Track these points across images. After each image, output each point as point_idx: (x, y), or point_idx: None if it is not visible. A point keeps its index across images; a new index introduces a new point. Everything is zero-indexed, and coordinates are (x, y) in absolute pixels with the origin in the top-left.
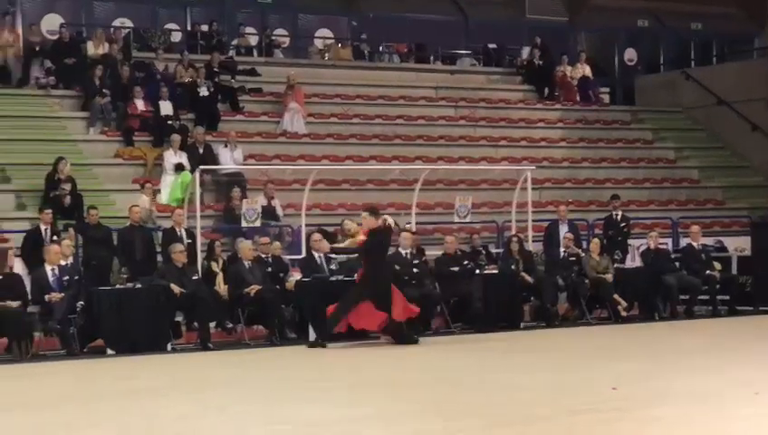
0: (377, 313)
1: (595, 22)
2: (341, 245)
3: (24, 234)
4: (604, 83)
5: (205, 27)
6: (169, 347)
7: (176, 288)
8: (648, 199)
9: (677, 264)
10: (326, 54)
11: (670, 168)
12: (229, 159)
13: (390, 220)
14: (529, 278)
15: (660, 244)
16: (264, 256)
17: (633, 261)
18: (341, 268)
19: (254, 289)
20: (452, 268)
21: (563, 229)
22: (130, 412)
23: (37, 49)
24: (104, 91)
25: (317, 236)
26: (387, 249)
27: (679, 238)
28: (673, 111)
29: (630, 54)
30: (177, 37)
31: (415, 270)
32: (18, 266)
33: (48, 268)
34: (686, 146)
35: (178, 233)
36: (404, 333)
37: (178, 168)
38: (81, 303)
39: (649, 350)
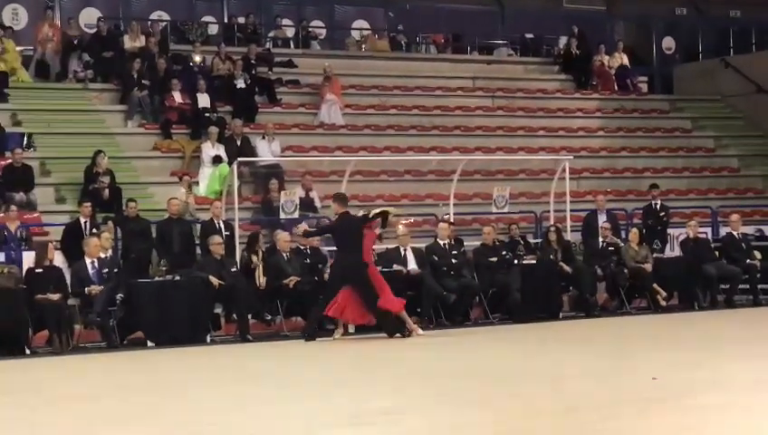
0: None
1: (633, 10)
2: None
3: (64, 227)
4: (642, 72)
5: (241, 19)
6: (209, 339)
7: (214, 280)
8: (687, 188)
9: (717, 253)
10: (363, 45)
11: (709, 156)
12: (267, 151)
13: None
14: (567, 268)
15: (700, 233)
16: (302, 247)
17: (672, 250)
18: (379, 259)
19: (292, 281)
20: (490, 259)
21: (602, 219)
22: (171, 404)
23: (75, 43)
24: (142, 83)
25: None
26: (351, 236)
27: (719, 227)
28: (712, 99)
29: (668, 43)
30: (213, 30)
31: (453, 261)
32: (58, 259)
33: (88, 261)
34: (726, 135)
35: (217, 225)
36: (391, 324)
37: (216, 160)
38: (121, 295)
39: (689, 340)
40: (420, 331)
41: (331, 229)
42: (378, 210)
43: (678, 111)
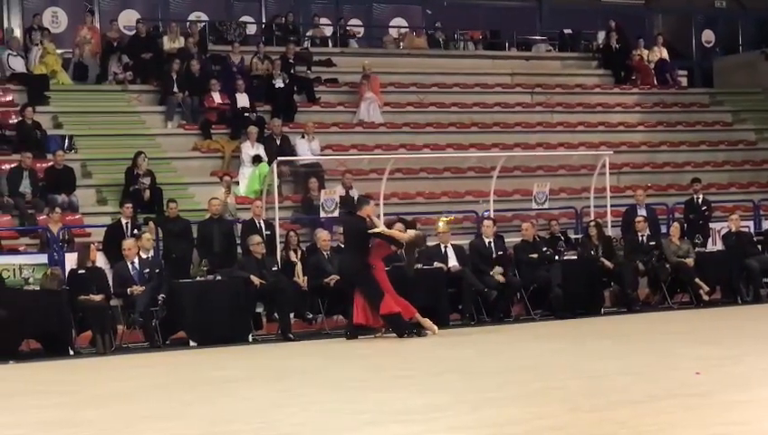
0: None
1: (671, 4)
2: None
3: (106, 228)
4: (682, 66)
5: (280, 19)
6: (250, 338)
7: (255, 280)
8: (728, 182)
9: (760, 246)
10: (401, 43)
11: (751, 149)
12: (306, 150)
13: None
14: (609, 264)
15: (742, 227)
16: (343, 245)
17: (714, 244)
18: (420, 258)
19: (333, 279)
20: (531, 255)
21: (641, 214)
22: (215, 403)
23: (115, 45)
24: (181, 84)
25: (399, 225)
26: (354, 237)
27: (761, 221)
28: (752, 92)
29: (708, 36)
30: (252, 30)
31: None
32: (100, 260)
33: (129, 262)
34: (767, 127)
35: (257, 224)
36: (398, 325)
37: (256, 159)
38: (163, 295)
39: (733, 334)
40: (436, 330)
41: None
42: (379, 230)
43: (719, 104)
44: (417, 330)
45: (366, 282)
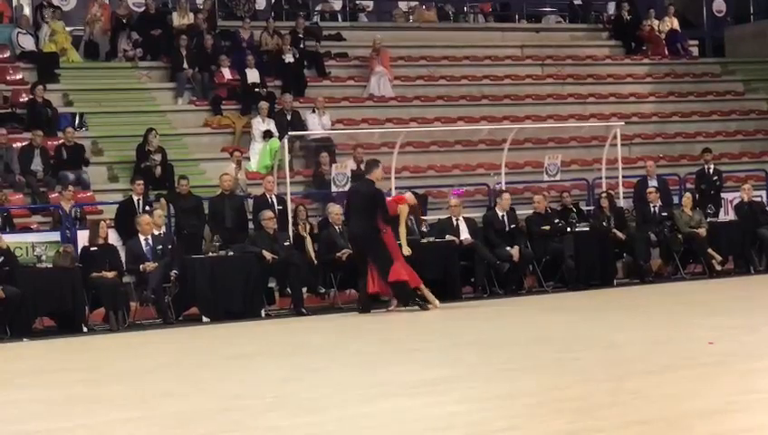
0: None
1: None
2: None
3: (117, 205)
4: (692, 36)
5: None
6: (263, 313)
7: (267, 254)
8: (740, 152)
9: None
10: (410, 17)
11: (763, 119)
12: (317, 125)
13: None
14: (621, 235)
15: (754, 196)
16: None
17: (727, 215)
18: (432, 230)
19: (345, 253)
20: (543, 227)
21: (652, 184)
22: (229, 378)
23: (124, 22)
24: (191, 60)
25: (409, 194)
26: (363, 201)
27: None
28: (764, 61)
29: (719, 5)
30: (261, 5)
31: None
32: (112, 237)
33: (141, 238)
34: None
35: (269, 200)
36: (404, 293)
37: (266, 135)
38: (175, 272)
39: (746, 304)
40: (438, 304)
41: (348, 192)
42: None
43: (730, 73)
44: (420, 302)
45: (376, 248)
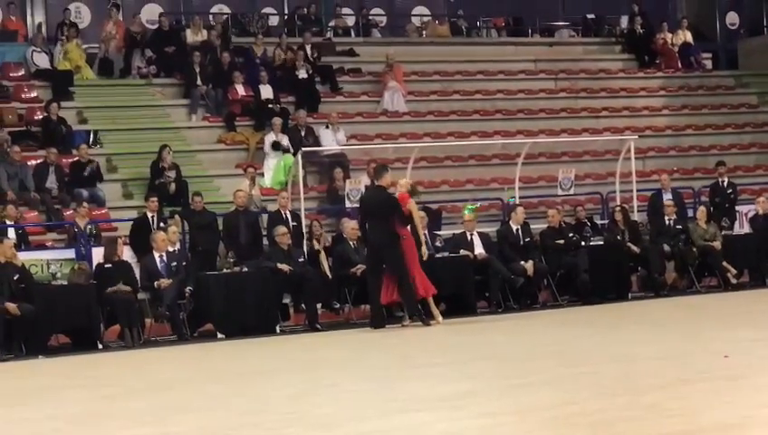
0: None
1: None
2: None
3: (132, 222)
4: (706, 49)
5: (302, 10)
6: (278, 329)
7: (284, 267)
8: (754, 165)
9: None
10: (423, 32)
11: None
12: (331, 141)
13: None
14: (635, 248)
15: None
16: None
17: (742, 228)
18: (447, 245)
19: (359, 269)
20: (557, 241)
21: (667, 198)
22: (244, 394)
23: (138, 39)
24: (205, 77)
25: (422, 214)
26: (380, 208)
27: None
28: None
29: (732, 18)
30: (274, 21)
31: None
32: (127, 254)
33: (156, 255)
34: None
35: (283, 215)
36: (414, 305)
37: (276, 146)
38: (190, 288)
39: (761, 317)
40: (441, 320)
41: (361, 201)
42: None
43: (744, 86)
44: (423, 318)
45: (396, 256)
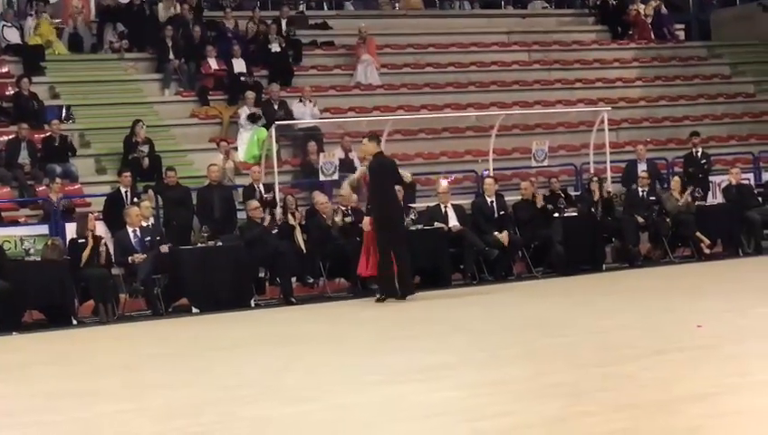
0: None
1: None
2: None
3: (105, 197)
4: (679, 19)
5: None
6: (253, 303)
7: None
8: (727, 135)
9: (760, 198)
10: (396, 4)
11: (750, 102)
12: (305, 114)
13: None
14: (608, 218)
15: (742, 179)
16: (343, 208)
17: (715, 198)
18: (421, 218)
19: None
20: (531, 213)
21: (642, 169)
22: (219, 368)
23: (110, 13)
24: (177, 51)
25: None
26: (386, 178)
27: (761, 173)
28: (750, 44)
29: None
30: None
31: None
32: (101, 229)
33: (130, 230)
34: (765, 79)
35: (257, 190)
36: (388, 285)
37: (251, 118)
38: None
39: (734, 287)
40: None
41: (370, 170)
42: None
43: (717, 57)
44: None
45: (401, 235)
